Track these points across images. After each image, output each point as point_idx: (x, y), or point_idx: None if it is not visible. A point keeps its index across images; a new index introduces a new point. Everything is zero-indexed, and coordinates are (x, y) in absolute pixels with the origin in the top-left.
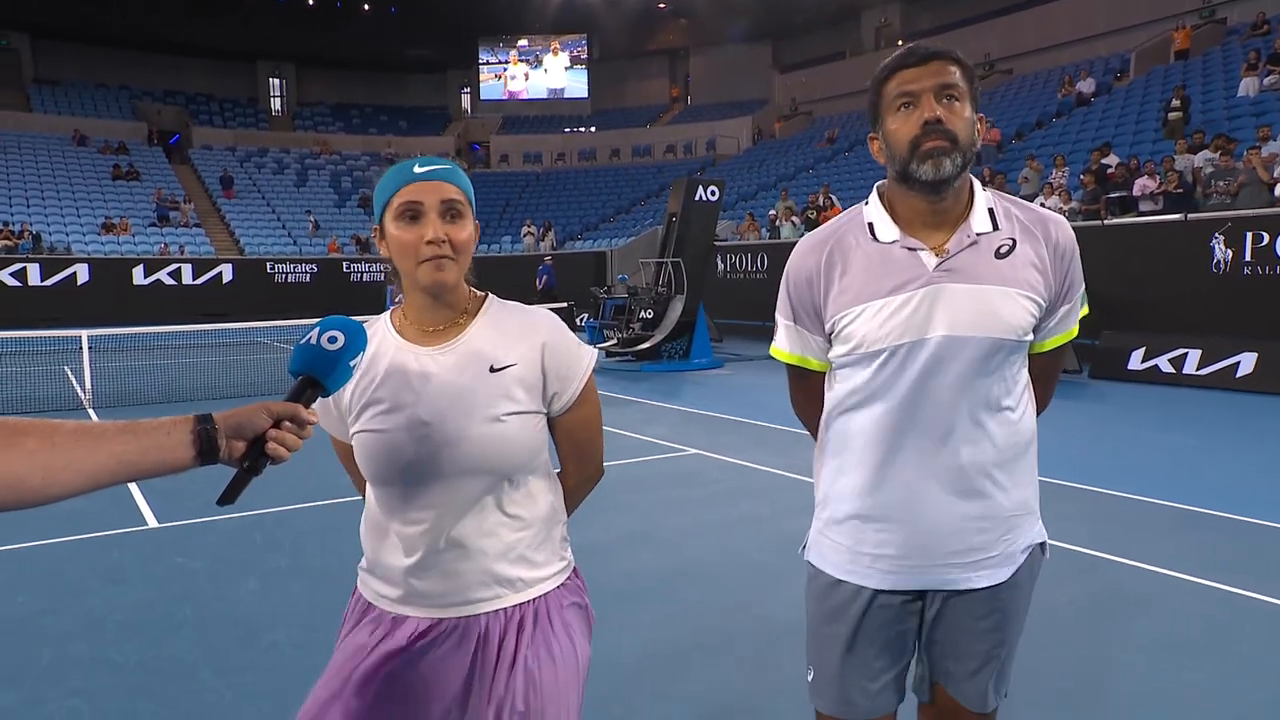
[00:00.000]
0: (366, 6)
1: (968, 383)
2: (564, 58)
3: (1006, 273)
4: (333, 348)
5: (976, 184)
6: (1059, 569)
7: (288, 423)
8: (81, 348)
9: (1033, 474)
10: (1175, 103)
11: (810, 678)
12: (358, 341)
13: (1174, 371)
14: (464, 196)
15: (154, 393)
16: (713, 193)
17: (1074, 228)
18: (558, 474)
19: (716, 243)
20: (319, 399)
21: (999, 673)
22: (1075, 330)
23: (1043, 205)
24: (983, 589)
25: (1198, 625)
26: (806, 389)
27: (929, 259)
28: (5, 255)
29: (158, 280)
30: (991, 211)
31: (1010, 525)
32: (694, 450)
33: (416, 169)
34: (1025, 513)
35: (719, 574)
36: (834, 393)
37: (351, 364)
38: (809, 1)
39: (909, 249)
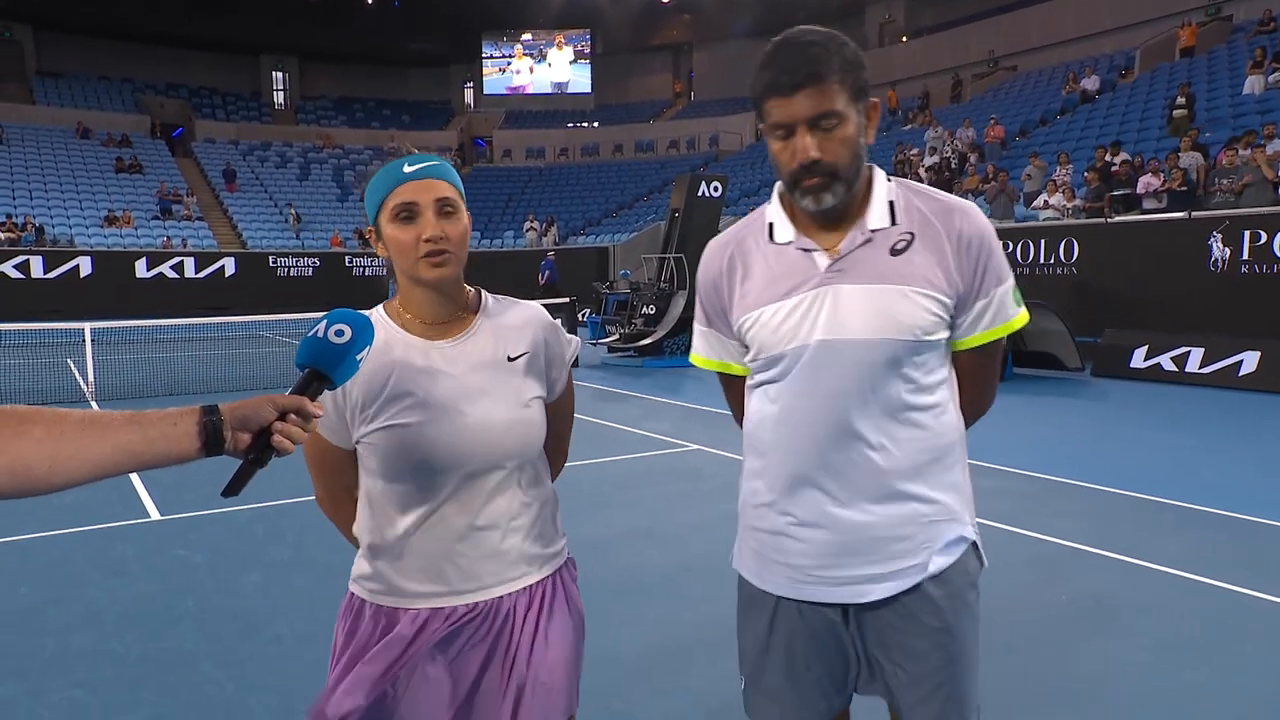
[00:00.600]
0: (369, 0)
1: (865, 386)
2: (567, 52)
3: (902, 269)
4: (340, 341)
5: (879, 175)
6: (1060, 567)
7: (293, 415)
8: (84, 340)
9: (955, 476)
10: (1180, 100)
11: (742, 686)
12: (365, 335)
13: (1176, 370)
14: (456, 192)
15: (156, 385)
16: (716, 188)
17: (1077, 225)
18: None
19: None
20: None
21: (953, 697)
22: (1006, 328)
23: (1046, 203)
24: (906, 597)
25: (1200, 624)
26: (736, 395)
27: (822, 260)
28: (8, 248)
29: (160, 273)
30: (892, 205)
31: (929, 533)
32: (696, 446)
33: (406, 168)
34: (945, 518)
35: (721, 569)
36: (749, 397)
37: (358, 358)
38: None
39: (803, 249)
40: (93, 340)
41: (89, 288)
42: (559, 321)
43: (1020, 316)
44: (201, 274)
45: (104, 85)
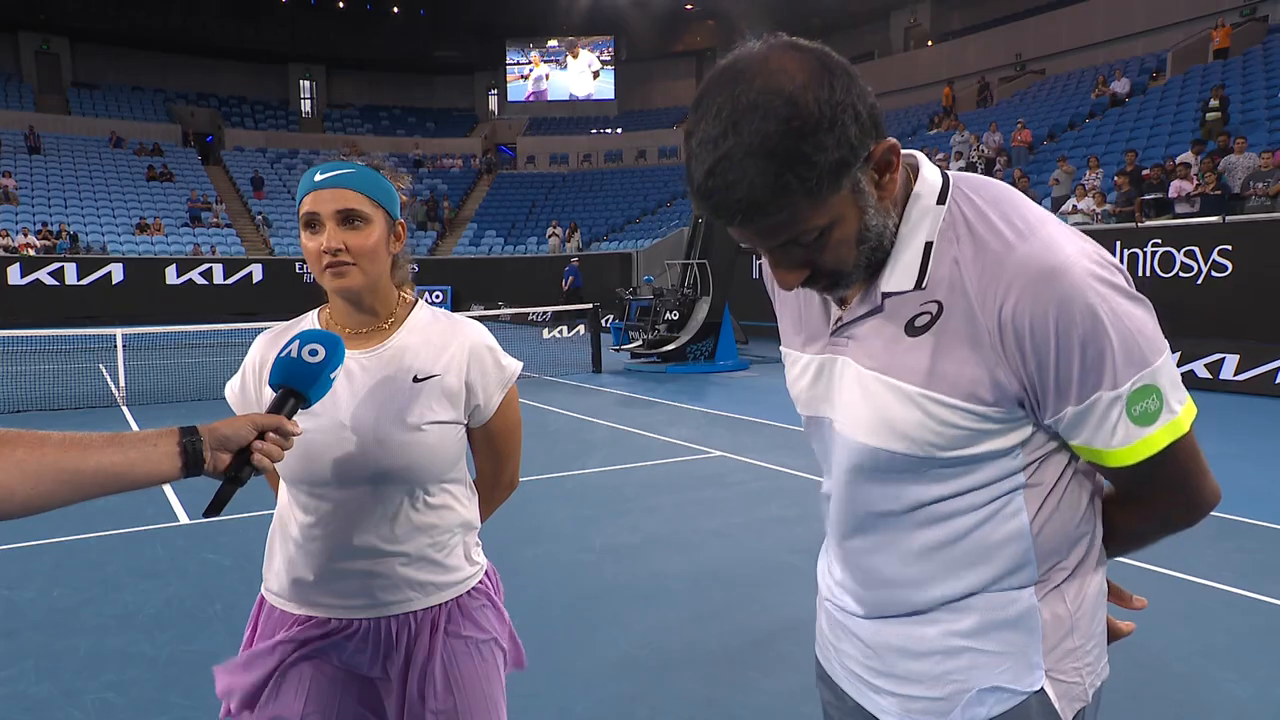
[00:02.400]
0: (396, 9)
1: (874, 486)
2: (591, 59)
3: (912, 361)
4: (314, 360)
5: (925, 187)
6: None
7: (272, 434)
8: (116, 346)
9: (1019, 605)
10: (1214, 103)
11: None
12: (337, 354)
13: (1211, 376)
14: (367, 201)
15: (186, 390)
16: None
17: (1107, 230)
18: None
19: (742, 245)
20: (230, 391)
21: None
22: (1129, 453)
23: (1075, 207)
24: None
25: (1239, 636)
26: None
27: (834, 313)
28: (44, 255)
29: (190, 280)
30: (927, 251)
31: (957, 664)
32: (719, 452)
33: (317, 177)
34: (987, 657)
35: (747, 577)
36: None
37: (332, 376)
38: (837, 2)
39: (823, 296)
40: (124, 346)
41: (121, 294)
42: (493, 344)
43: (1165, 429)
44: (230, 280)
45: (137, 95)
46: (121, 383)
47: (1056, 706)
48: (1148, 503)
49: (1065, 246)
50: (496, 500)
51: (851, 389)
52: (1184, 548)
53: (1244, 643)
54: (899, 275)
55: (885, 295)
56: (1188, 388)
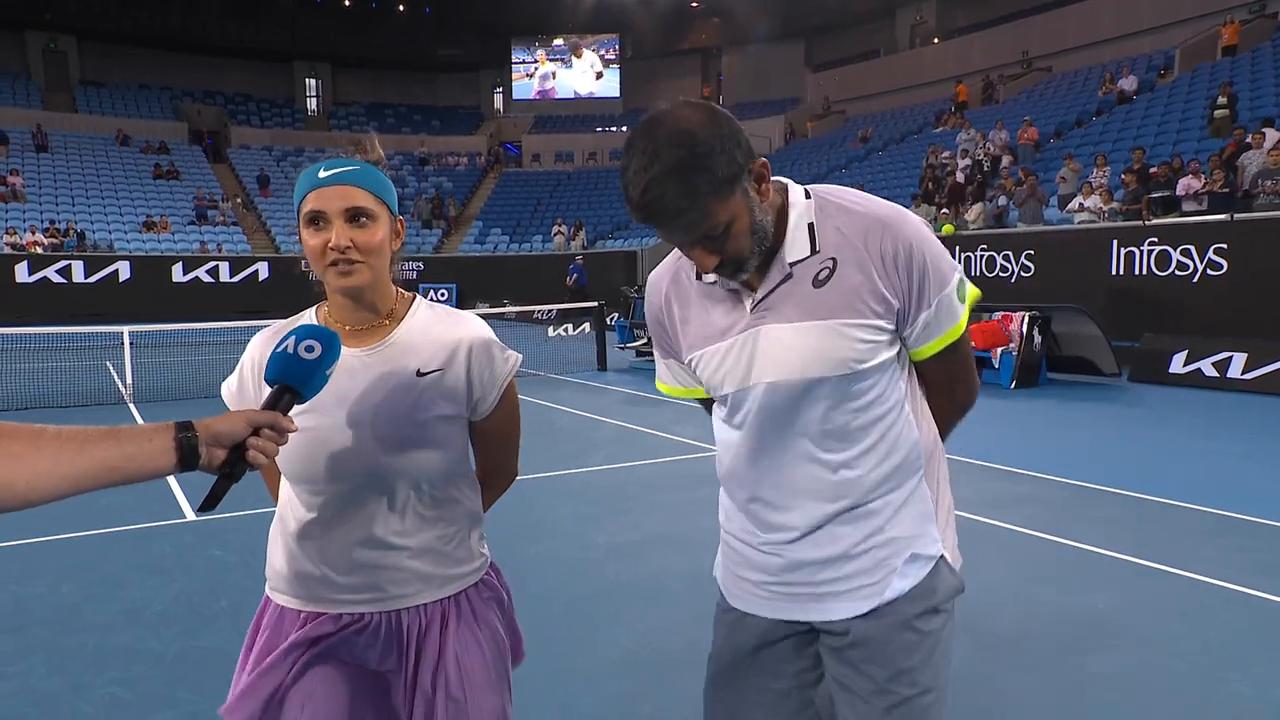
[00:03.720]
0: (401, 7)
1: (809, 420)
2: (596, 57)
3: (828, 301)
4: (310, 356)
5: (795, 199)
6: (1096, 574)
7: (267, 430)
8: (123, 343)
9: (919, 495)
10: (1221, 100)
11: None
12: (334, 350)
13: (1218, 375)
14: (373, 199)
15: (192, 388)
16: None
17: (1114, 228)
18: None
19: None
20: (227, 389)
21: None
22: (958, 328)
23: (1081, 205)
24: (860, 623)
25: (1241, 633)
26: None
27: (748, 299)
28: (51, 253)
29: (196, 278)
30: (812, 229)
31: (887, 551)
32: None
33: (321, 173)
34: (907, 536)
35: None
36: (714, 422)
37: (328, 372)
38: (843, 0)
39: (730, 290)
40: (131, 343)
41: (127, 292)
42: (493, 337)
43: (965, 311)
44: (236, 278)
45: (143, 93)
46: (128, 380)
47: (953, 564)
48: (952, 386)
49: (895, 207)
50: (497, 491)
51: (779, 345)
52: (1186, 545)
53: (1246, 641)
54: (797, 248)
55: (792, 264)
56: (1195, 386)
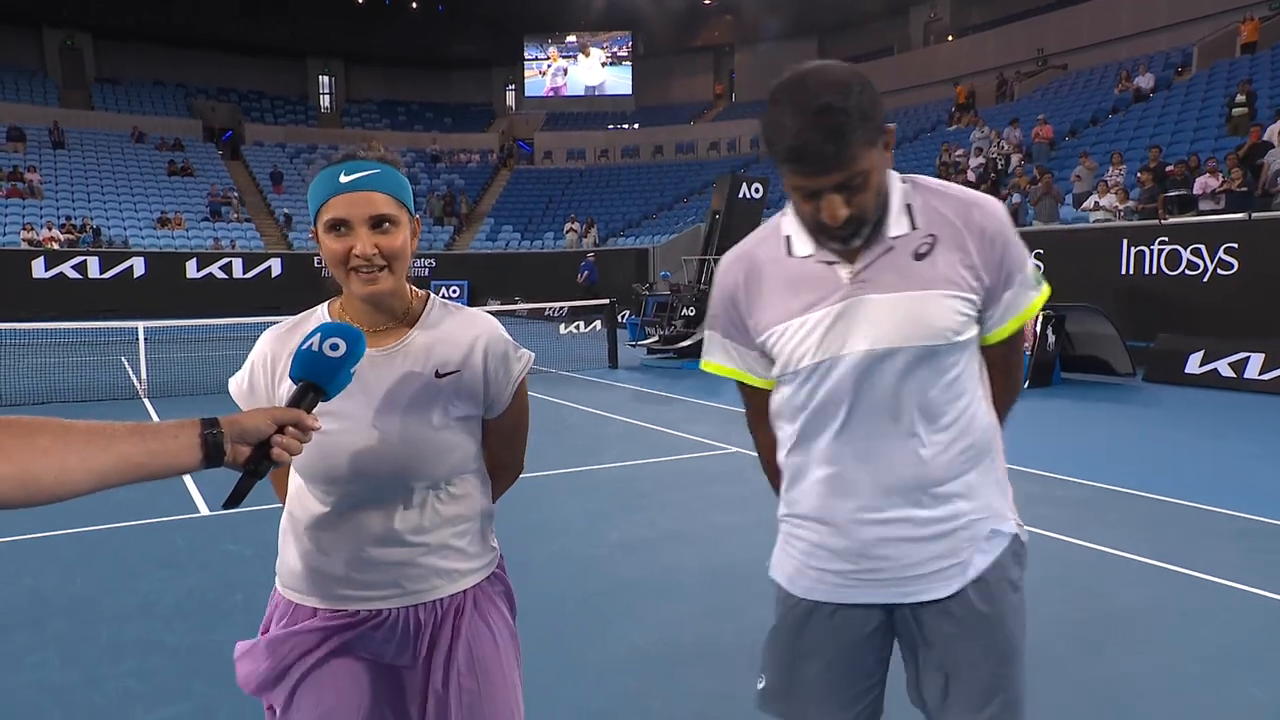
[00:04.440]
0: (414, 4)
1: (898, 395)
2: (608, 54)
3: (927, 274)
4: (335, 354)
5: (893, 181)
6: (1111, 576)
7: (291, 428)
8: (138, 339)
9: (992, 475)
10: (1240, 98)
11: (760, 685)
12: (358, 348)
13: (1234, 376)
14: (395, 203)
15: (207, 384)
16: (757, 190)
17: (1124, 227)
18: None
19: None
20: (235, 386)
21: (1001, 700)
22: (1030, 311)
23: (1097, 204)
24: (950, 602)
25: (1258, 635)
26: (756, 407)
27: (844, 271)
28: (68, 249)
29: (210, 274)
30: (910, 208)
31: (971, 531)
32: (735, 448)
33: (343, 178)
34: (986, 515)
35: (761, 573)
36: (781, 407)
37: (352, 370)
38: None
39: (825, 263)
40: (145, 339)
41: (142, 288)
42: (507, 335)
43: (1042, 294)
44: (249, 274)
45: (158, 90)
46: (143, 375)
47: (1024, 539)
48: (1011, 373)
49: (980, 193)
50: (504, 485)
51: (878, 312)
52: (1203, 547)
53: (1262, 643)
54: (896, 225)
55: (894, 238)
56: (1211, 387)
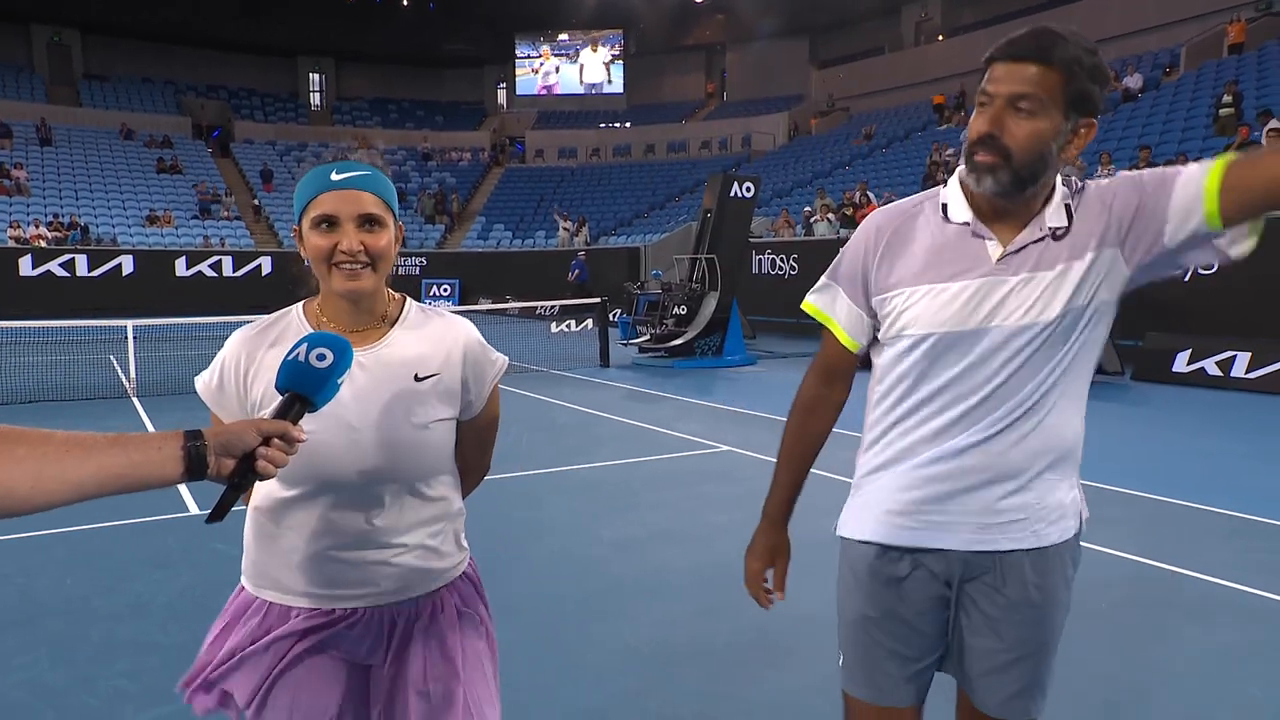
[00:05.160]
0: (405, 2)
1: (1016, 377)
2: (600, 53)
3: (1063, 251)
4: (322, 365)
5: (1060, 183)
6: (1105, 576)
7: (277, 440)
8: (127, 337)
9: (1075, 467)
10: (1227, 98)
11: (840, 661)
12: (346, 358)
13: (1221, 374)
14: (383, 205)
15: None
16: (748, 189)
17: None
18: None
19: (751, 239)
20: (203, 385)
21: (1032, 678)
22: (1223, 162)
23: None
24: (1013, 556)
25: (1249, 635)
26: (829, 361)
27: (994, 250)
28: (55, 246)
29: (199, 272)
30: (1069, 209)
31: (1050, 501)
32: (726, 447)
33: (334, 175)
34: (1069, 498)
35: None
36: (880, 373)
37: (339, 381)
38: None
39: (978, 236)
40: (135, 337)
41: (131, 286)
42: (482, 339)
43: (1220, 162)
44: (239, 273)
45: (147, 87)
46: (132, 374)
47: (1083, 512)
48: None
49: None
50: (472, 485)
51: (1026, 293)
52: (1196, 546)
53: (1255, 642)
54: (1055, 216)
55: (1052, 228)
56: (1198, 385)
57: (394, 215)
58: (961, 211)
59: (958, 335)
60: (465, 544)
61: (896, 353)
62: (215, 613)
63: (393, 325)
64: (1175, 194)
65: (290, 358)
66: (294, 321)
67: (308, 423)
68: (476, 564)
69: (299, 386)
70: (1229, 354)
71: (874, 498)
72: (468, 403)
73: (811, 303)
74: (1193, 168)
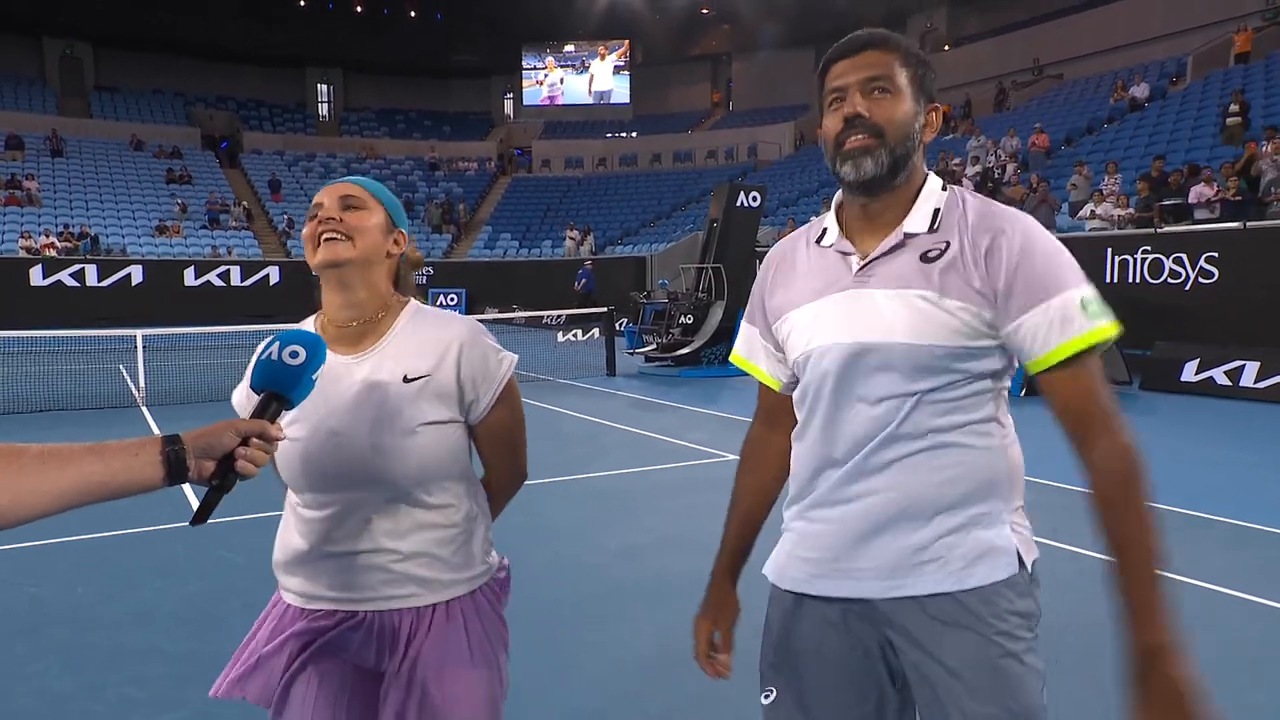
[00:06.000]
0: (413, 13)
1: (886, 395)
2: (607, 63)
3: (932, 276)
4: (294, 362)
5: (931, 182)
6: (1107, 583)
7: (256, 440)
8: (136, 347)
9: (993, 505)
10: (1234, 107)
11: (767, 701)
12: (318, 354)
13: (1230, 384)
14: (368, 195)
15: (205, 391)
16: (754, 198)
17: (1125, 235)
18: (481, 478)
19: (758, 249)
20: (236, 399)
21: None
22: (1080, 341)
23: (1093, 212)
24: (931, 598)
25: (1258, 643)
26: (761, 404)
27: (855, 263)
28: (65, 256)
29: (208, 281)
30: (937, 213)
31: (956, 538)
32: (732, 456)
33: (334, 179)
34: (981, 527)
35: (757, 579)
36: (796, 400)
37: (314, 377)
38: (852, 7)
39: (841, 253)
40: (144, 347)
41: (140, 296)
42: (485, 338)
43: (1095, 331)
44: (247, 282)
45: (157, 99)
46: (141, 383)
47: (1022, 554)
48: (1074, 419)
49: (1020, 213)
50: (505, 494)
51: (878, 308)
52: (1201, 555)
53: (1259, 649)
54: (914, 222)
55: (908, 235)
56: (1207, 395)
57: (386, 210)
58: (831, 234)
59: (816, 350)
60: (490, 556)
61: (797, 385)
62: (220, 620)
63: (388, 328)
64: (1034, 314)
65: (264, 357)
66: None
67: (298, 429)
68: (506, 575)
69: (274, 385)
70: (1237, 363)
71: (783, 538)
72: (470, 404)
73: (735, 353)
74: (1068, 308)
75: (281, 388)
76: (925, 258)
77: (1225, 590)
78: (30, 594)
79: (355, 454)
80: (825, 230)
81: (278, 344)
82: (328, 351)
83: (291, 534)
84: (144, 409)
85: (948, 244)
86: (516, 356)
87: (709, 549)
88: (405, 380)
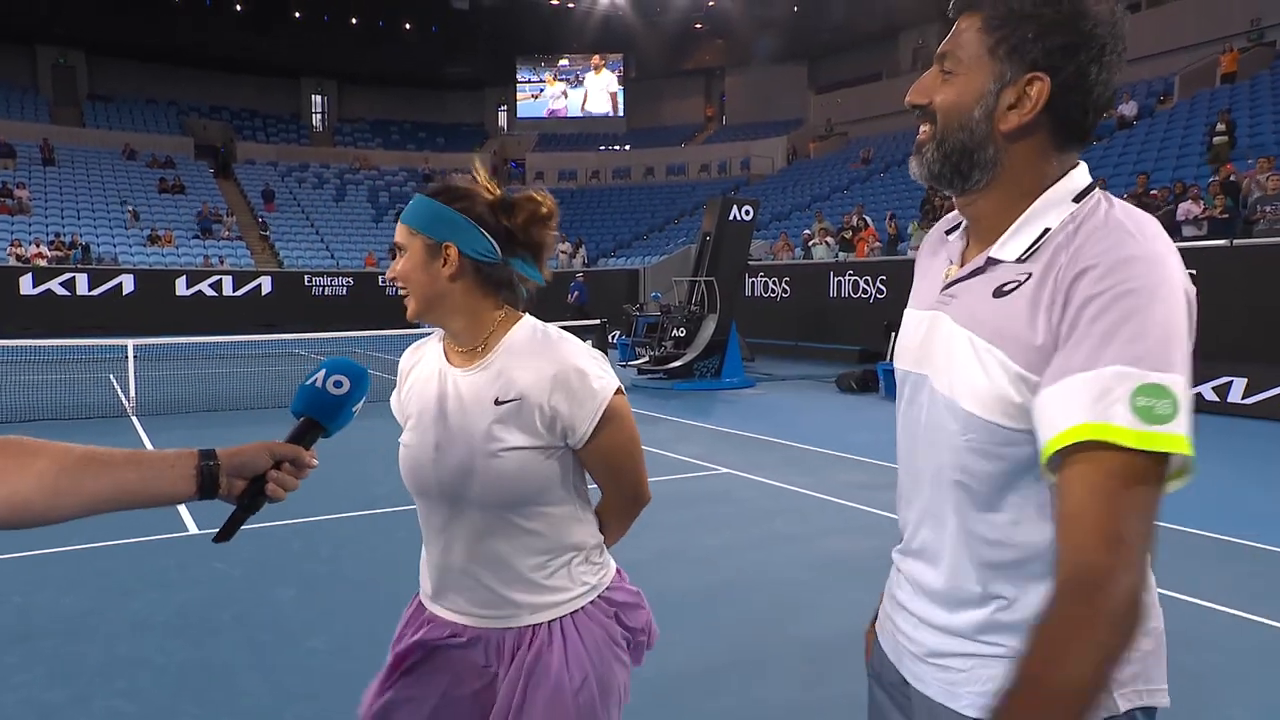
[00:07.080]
0: (408, 25)
1: (943, 449)
2: (601, 76)
3: (989, 318)
4: (338, 392)
5: (1061, 188)
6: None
7: (288, 464)
8: (127, 356)
9: (1024, 611)
10: (1220, 127)
11: None
12: (362, 386)
13: (1218, 400)
14: (407, 232)
15: (195, 402)
16: (747, 212)
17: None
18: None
19: (750, 262)
20: (394, 398)
21: None
22: (1107, 431)
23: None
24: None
25: (1244, 659)
26: None
27: (944, 276)
28: (56, 265)
29: (199, 291)
30: (1045, 234)
31: (983, 653)
32: (726, 469)
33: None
34: (1000, 654)
35: (752, 593)
36: None
37: (354, 409)
38: (846, 22)
39: (948, 257)
40: (135, 356)
41: (131, 305)
42: (583, 362)
43: (1140, 432)
44: (239, 292)
45: (150, 108)
46: (131, 393)
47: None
48: (1063, 528)
49: (1150, 247)
50: (621, 517)
51: (941, 344)
52: (1189, 570)
53: (1248, 665)
54: (1011, 246)
55: (994, 258)
56: (1195, 411)
57: (424, 236)
58: (960, 228)
59: (906, 374)
60: (591, 579)
61: None
62: (213, 631)
63: (494, 348)
64: (1043, 393)
65: (308, 383)
66: (433, 342)
67: (411, 434)
68: (626, 590)
69: (314, 411)
70: (1225, 379)
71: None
72: (564, 431)
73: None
74: (1114, 386)
75: (321, 416)
76: (1000, 292)
77: (1212, 605)
78: (19, 604)
79: (449, 469)
80: (961, 222)
81: (323, 372)
82: (447, 364)
83: (425, 540)
84: (134, 419)
85: (1028, 276)
86: (617, 382)
87: (706, 564)
88: (496, 403)
